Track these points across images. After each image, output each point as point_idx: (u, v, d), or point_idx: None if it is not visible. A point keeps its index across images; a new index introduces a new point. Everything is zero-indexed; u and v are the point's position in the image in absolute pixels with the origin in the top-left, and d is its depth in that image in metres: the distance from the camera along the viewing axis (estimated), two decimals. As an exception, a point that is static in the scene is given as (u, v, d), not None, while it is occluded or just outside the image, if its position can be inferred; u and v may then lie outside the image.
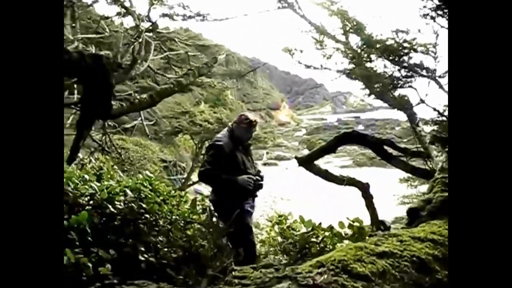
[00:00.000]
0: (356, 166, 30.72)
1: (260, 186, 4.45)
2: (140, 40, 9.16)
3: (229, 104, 28.82)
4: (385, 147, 5.00)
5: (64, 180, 3.28)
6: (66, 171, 3.64)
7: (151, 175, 4.36)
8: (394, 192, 14.36)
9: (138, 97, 4.48)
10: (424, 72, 5.33)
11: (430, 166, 4.43)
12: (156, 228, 3.62)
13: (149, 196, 3.75)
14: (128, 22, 11.11)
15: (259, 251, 4.63)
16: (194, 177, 15.71)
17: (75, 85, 6.53)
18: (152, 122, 20.21)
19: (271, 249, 4.81)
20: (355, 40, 6.20)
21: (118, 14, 10.40)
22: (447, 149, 3.92)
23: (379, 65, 5.74)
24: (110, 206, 3.32)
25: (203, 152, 14.54)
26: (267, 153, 34.81)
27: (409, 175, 9.70)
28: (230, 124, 4.67)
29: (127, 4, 9.84)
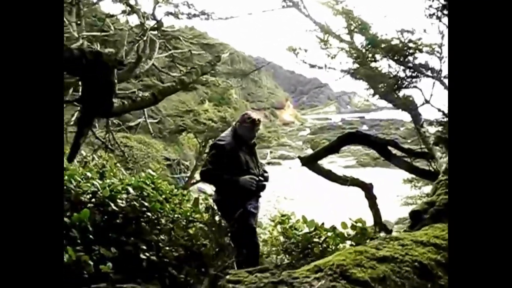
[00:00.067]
0: (360, 166, 30.66)
1: (263, 187, 4.37)
2: (145, 38, 9.16)
3: (233, 103, 28.79)
4: (389, 148, 4.97)
5: (67, 177, 3.28)
6: (69, 168, 3.64)
7: (154, 173, 4.36)
8: (398, 192, 14.33)
9: (140, 95, 4.46)
10: (429, 73, 5.30)
11: (434, 167, 4.41)
12: (158, 227, 3.63)
13: (151, 194, 3.75)
14: (133, 20, 11.12)
15: (261, 250, 4.61)
16: (198, 175, 15.70)
17: (80, 83, 6.54)
18: (156, 120, 20.27)
19: (273, 248, 4.80)
20: (360, 40, 6.18)
21: (123, 12, 10.40)
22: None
23: (384, 65, 5.72)
24: (112, 204, 3.32)
25: (206, 150, 14.52)
26: (270, 152, 34.79)
27: (413, 176, 9.67)
28: (234, 123, 4.62)
29: (132, 2, 9.84)
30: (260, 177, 4.34)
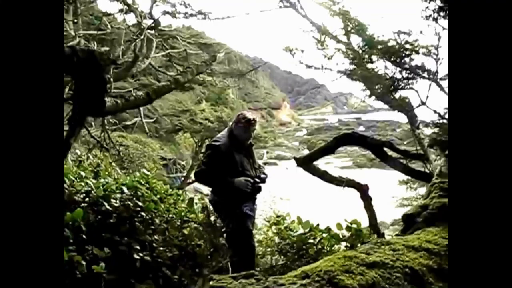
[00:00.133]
0: (356, 167, 30.70)
1: (258, 189, 4.30)
2: (142, 37, 9.14)
3: (230, 103, 28.78)
4: (385, 149, 4.97)
5: (60, 176, 3.27)
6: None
7: (148, 173, 4.35)
8: (394, 194, 14.33)
9: (133, 94, 4.43)
10: (425, 74, 5.29)
11: (430, 169, 4.40)
12: (152, 227, 3.62)
13: (146, 194, 3.74)
14: (130, 19, 11.09)
15: (256, 251, 4.59)
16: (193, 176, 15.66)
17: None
18: (152, 120, 20.23)
19: (268, 249, 4.79)
20: (356, 41, 6.18)
21: (121, 11, 10.37)
22: (446, 153, 3.88)
23: (380, 66, 5.71)
24: (106, 204, 3.31)
25: (203, 150, 14.51)
26: (267, 152, 34.78)
27: (409, 177, 9.67)
28: (230, 123, 4.56)
29: (129, 1, 9.81)
30: (256, 179, 4.26)
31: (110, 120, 12.81)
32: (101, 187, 3.47)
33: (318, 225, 4.47)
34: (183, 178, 17.86)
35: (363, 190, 4.76)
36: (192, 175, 16.35)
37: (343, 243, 4.36)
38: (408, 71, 5.43)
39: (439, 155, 4.17)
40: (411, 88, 5.53)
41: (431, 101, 5.23)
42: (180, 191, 5.90)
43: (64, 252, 2.53)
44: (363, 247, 2.27)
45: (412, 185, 12.54)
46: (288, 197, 18.36)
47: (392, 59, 5.46)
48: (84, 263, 2.62)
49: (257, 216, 4.70)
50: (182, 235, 3.92)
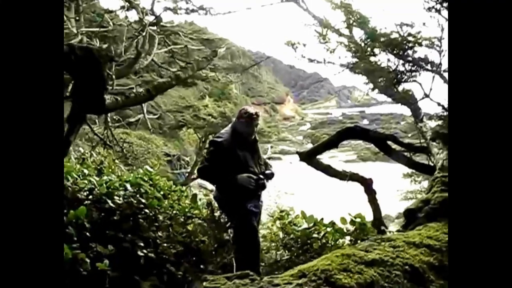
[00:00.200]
0: (360, 161, 30.70)
1: (262, 186, 4.21)
2: (144, 33, 9.11)
3: (233, 98, 28.72)
4: (388, 142, 4.94)
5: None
6: (66, 165, 3.63)
7: (151, 169, 4.35)
8: (399, 187, 14.32)
9: (134, 91, 4.41)
10: (428, 67, 5.25)
11: (433, 162, 4.37)
12: (156, 223, 3.62)
13: (149, 191, 3.74)
14: (132, 15, 11.06)
15: (260, 246, 4.57)
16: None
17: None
18: (156, 116, 20.24)
19: (273, 244, 4.79)
20: (358, 34, 6.13)
21: (122, 7, 10.34)
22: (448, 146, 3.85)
23: (383, 59, 5.66)
24: (109, 201, 3.31)
25: (206, 146, 14.51)
26: (271, 147, 34.79)
27: (413, 170, 9.64)
28: (234, 119, 4.50)
29: (130, -3, 9.79)
30: (260, 176, 4.18)
31: (114, 117, 12.83)
32: (104, 185, 3.48)
33: (322, 219, 4.46)
34: (187, 174, 17.90)
35: (367, 184, 4.74)
36: (196, 171, 16.38)
37: (348, 237, 4.36)
38: (411, 64, 5.38)
39: (442, 148, 4.13)
40: (415, 80, 5.48)
41: (435, 94, 5.19)
42: (184, 187, 5.90)
43: (68, 249, 2.54)
44: (363, 244, 2.21)
45: (417, 178, 12.52)
46: (292, 191, 18.38)
47: (395, 51, 5.41)
48: (88, 260, 2.62)
49: (262, 211, 4.68)
50: (186, 232, 3.92)
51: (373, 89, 5.98)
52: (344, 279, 1.83)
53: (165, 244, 3.47)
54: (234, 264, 4.02)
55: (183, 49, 12.54)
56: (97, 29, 10.21)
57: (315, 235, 4.38)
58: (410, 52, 5.38)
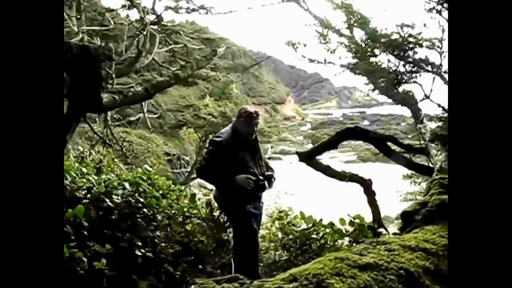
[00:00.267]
0: (360, 162, 30.70)
1: (262, 187, 4.14)
2: (145, 32, 9.10)
3: (234, 98, 28.72)
4: (388, 144, 4.92)
5: (61, 173, 3.27)
6: (64, 164, 3.62)
7: (150, 169, 4.34)
8: (398, 188, 14.32)
9: (132, 89, 4.39)
10: (429, 68, 5.23)
11: (432, 164, 4.36)
12: (154, 223, 3.61)
13: (148, 190, 3.74)
14: (133, 14, 11.05)
15: (259, 247, 4.56)
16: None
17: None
18: (156, 115, 20.23)
19: (272, 244, 4.78)
20: (359, 34, 6.11)
21: (123, 6, 10.33)
22: (447, 148, 3.83)
23: (383, 60, 5.64)
24: (107, 200, 3.31)
25: (206, 145, 14.50)
26: (271, 147, 34.81)
27: (413, 171, 9.62)
28: (234, 119, 4.45)
29: (132, -4, 9.77)
30: (260, 177, 4.10)
31: (114, 116, 12.82)
32: (102, 184, 3.48)
33: (321, 220, 4.45)
34: (187, 174, 17.90)
35: (366, 185, 4.72)
36: (195, 171, 16.37)
37: (347, 238, 4.35)
38: (411, 65, 5.37)
39: (440, 150, 4.11)
40: (415, 81, 5.47)
41: (435, 95, 5.17)
42: (183, 187, 5.89)
43: (66, 248, 2.53)
44: (358, 247, 2.17)
45: (416, 179, 12.51)
46: (292, 191, 18.36)
47: (395, 52, 5.39)
48: (85, 259, 2.62)
49: (262, 211, 4.65)
50: (185, 231, 3.92)
51: (373, 90, 5.97)
52: (336, 284, 1.79)
53: (163, 244, 3.47)
54: (233, 264, 4.01)
55: (184, 48, 12.53)
56: (98, 27, 10.20)
57: (314, 236, 4.37)
58: (410, 53, 5.37)
